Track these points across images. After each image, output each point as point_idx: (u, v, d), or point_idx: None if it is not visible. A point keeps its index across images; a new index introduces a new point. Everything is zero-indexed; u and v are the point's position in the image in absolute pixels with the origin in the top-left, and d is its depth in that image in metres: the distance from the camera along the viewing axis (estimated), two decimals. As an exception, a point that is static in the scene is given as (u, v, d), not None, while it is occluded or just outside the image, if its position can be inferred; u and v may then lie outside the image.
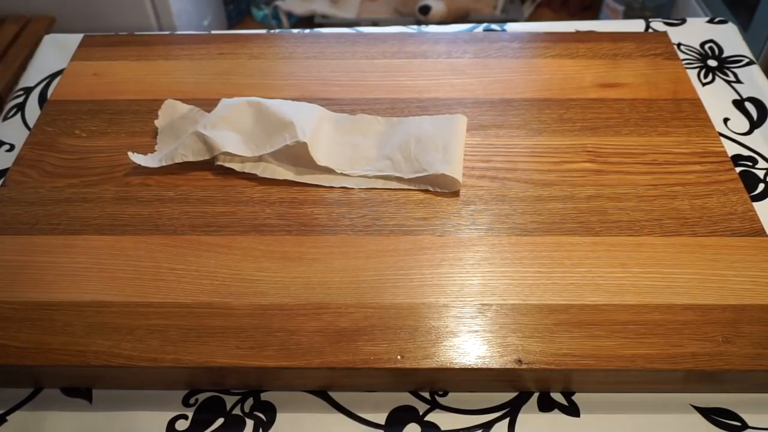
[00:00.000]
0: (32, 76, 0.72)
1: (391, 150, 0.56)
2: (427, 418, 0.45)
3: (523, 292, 0.47)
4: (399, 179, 0.55)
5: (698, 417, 0.45)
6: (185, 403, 0.46)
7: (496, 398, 0.46)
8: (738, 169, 0.58)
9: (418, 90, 0.64)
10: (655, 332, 0.45)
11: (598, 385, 0.46)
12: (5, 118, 0.67)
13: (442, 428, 0.45)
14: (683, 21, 0.76)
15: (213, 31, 0.76)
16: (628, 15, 1.65)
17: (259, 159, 0.56)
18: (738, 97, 0.66)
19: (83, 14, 1.38)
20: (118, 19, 1.39)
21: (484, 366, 0.44)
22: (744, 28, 1.30)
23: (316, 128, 0.56)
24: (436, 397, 0.46)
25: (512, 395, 0.46)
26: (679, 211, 0.52)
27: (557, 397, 0.46)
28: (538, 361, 0.44)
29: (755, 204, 0.55)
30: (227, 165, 0.56)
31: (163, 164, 0.56)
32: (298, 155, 0.55)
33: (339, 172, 0.55)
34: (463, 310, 0.47)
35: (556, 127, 0.60)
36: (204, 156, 0.55)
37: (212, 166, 0.56)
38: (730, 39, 0.73)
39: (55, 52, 0.74)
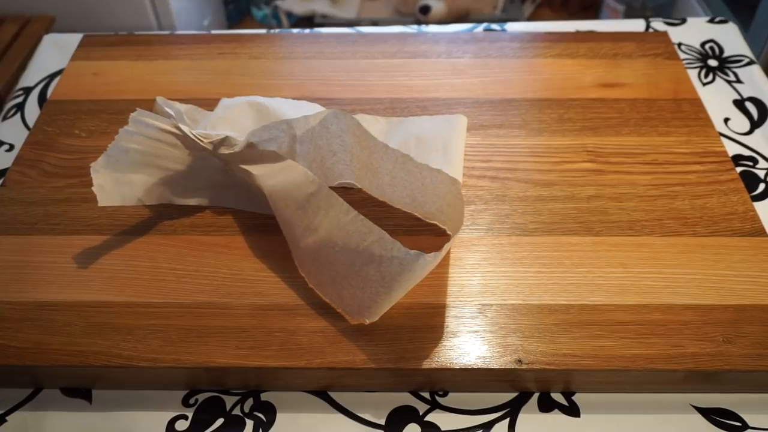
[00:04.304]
0: (32, 76, 0.72)
1: (391, 150, 0.56)
2: (427, 418, 0.45)
3: (523, 292, 0.47)
4: (399, 179, 0.55)
5: (698, 417, 0.45)
6: (185, 403, 0.46)
7: (496, 398, 0.46)
8: (738, 169, 0.58)
9: (418, 90, 0.64)
10: (656, 332, 0.45)
11: (598, 385, 0.46)
12: (5, 118, 0.67)
13: (442, 428, 0.45)
14: (683, 21, 0.76)
15: (213, 31, 0.75)
16: (629, 15, 1.65)
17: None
18: (738, 97, 0.66)
19: (83, 14, 1.38)
20: (118, 19, 1.39)
21: (484, 366, 0.44)
22: (744, 27, 1.30)
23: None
24: (436, 397, 0.46)
25: (512, 395, 0.46)
26: (679, 211, 0.52)
27: (557, 397, 0.46)
28: (538, 361, 0.44)
29: (756, 204, 0.55)
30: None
31: None
32: (298, 155, 0.55)
33: (339, 171, 0.55)
34: (463, 310, 0.47)
35: (556, 127, 0.60)
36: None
37: (212, 166, 0.56)
38: (731, 39, 0.73)
39: (54, 52, 0.74)
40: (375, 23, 1.78)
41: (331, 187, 0.46)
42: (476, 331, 0.45)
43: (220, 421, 0.45)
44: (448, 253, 0.50)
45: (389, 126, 0.59)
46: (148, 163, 0.50)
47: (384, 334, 0.45)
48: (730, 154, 0.58)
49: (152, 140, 0.50)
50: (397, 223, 0.52)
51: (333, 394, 0.47)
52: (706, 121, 0.60)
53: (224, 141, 0.50)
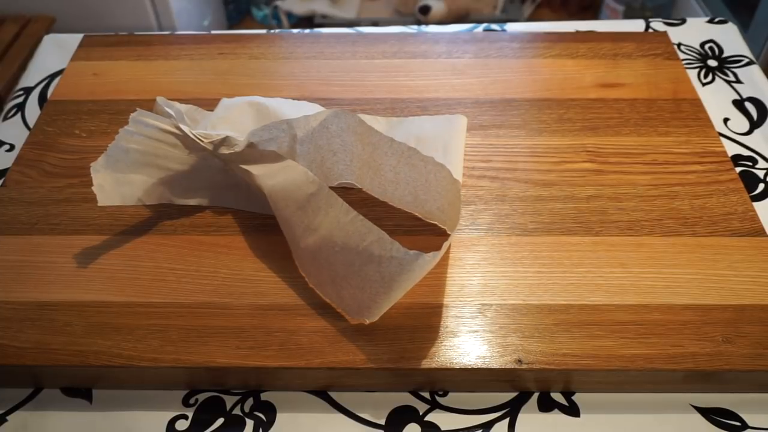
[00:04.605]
0: (32, 76, 0.72)
1: (391, 150, 0.56)
2: (427, 418, 0.45)
3: (523, 292, 0.47)
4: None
5: (698, 417, 0.45)
6: (185, 403, 0.46)
7: (496, 398, 0.46)
8: (738, 169, 0.58)
9: (418, 90, 0.64)
10: (655, 332, 0.45)
11: (598, 385, 0.46)
12: (5, 118, 0.67)
13: (442, 428, 0.45)
14: (683, 21, 0.76)
15: (213, 31, 0.76)
16: (628, 15, 1.65)
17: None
18: (738, 97, 0.66)
19: (83, 14, 1.39)
20: (118, 19, 1.39)
21: (484, 366, 0.44)
22: (744, 28, 1.30)
23: (316, 128, 0.56)
24: (436, 397, 0.46)
25: (512, 395, 0.46)
26: (679, 211, 0.52)
27: (557, 397, 0.46)
28: (538, 361, 0.44)
29: (755, 204, 0.55)
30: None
31: None
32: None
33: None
34: (463, 310, 0.47)
35: (556, 127, 0.60)
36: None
37: (212, 166, 0.56)
38: (730, 39, 0.73)
39: (55, 52, 0.74)
40: (375, 23, 1.78)
41: (331, 187, 0.46)
42: (476, 331, 0.45)
43: (220, 421, 0.45)
44: (448, 252, 0.50)
45: (389, 126, 0.59)
46: (148, 163, 0.50)
47: (384, 334, 0.45)
48: (730, 154, 0.58)
49: (152, 140, 0.50)
50: (397, 223, 0.52)
51: (333, 394, 0.47)
52: (706, 122, 0.60)
53: (224, 141, 0.50)
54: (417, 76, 0.65)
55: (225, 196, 0.54)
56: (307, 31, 0.75)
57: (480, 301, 0.47)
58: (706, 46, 0.72)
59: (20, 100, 0.69)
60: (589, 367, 0.44)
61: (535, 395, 0.46)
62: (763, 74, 0.69)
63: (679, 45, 0.72)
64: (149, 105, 0.52)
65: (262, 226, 0.52)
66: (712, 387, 0.46)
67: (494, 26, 0.77)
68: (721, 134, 0.61)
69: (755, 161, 0.60)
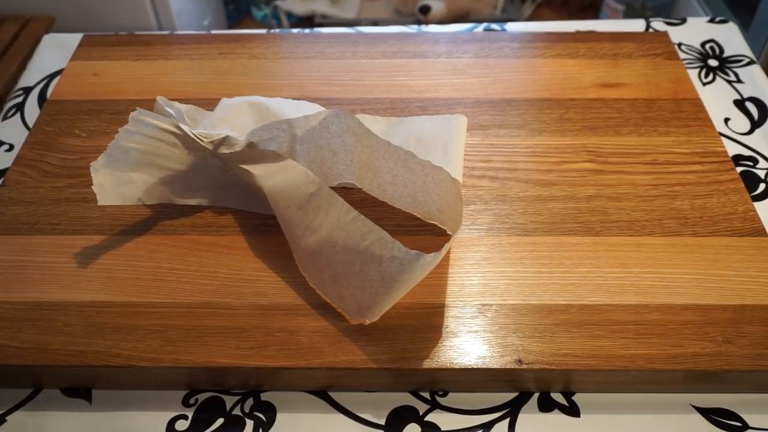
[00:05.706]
0: (32, 75, 0.72)
1: (391, 150, 0.56)
2: (427, 418, 0.45)
3: (523, 292, 0.47)
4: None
5: (698, 417, 0.45)
6: (185, 403, 0.46)
7: (496, 398, 0.46)
8: (739, 169, 0.58)
9: (418, 90, 0.64)
10: (655, 332, 0.45)
11: (598, 385, 0.46)
12: (5, 118, 0.67)
13: (442, 428, 0.45)
14: (684, 21, 0.76)
15: (213, 31, 0.75)
16: (629, 15, 1.65)
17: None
18: (739, 97, 0.66)
19: (83, 14, 1.38)
20: (118, 19, 1.39)
21: (484, 366, 0.44)
22: (744, 27, 1.30)
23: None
24: (436, 397, 0.46)
25: (512, 395, 0.46)
26: (679, 211, 0.52)
27: (557, 397, 0.46)
28: (538, 361, 0.44)
29: (756, 204, 0.55)
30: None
31: None
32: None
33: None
34: (463, 310, 0.47)
35: (556, 127, 0.60)
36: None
37: (212, 166, 0.56)
38: (731, 38, 0.73)
39: (54, 52, 0.74)
40: (375, 23, 1.78)
41: (331, 187, 0.46)
42: (476, 331, 0.45)
43: (220, 421, 0.45)
44: (448, 253, 0.50)
45: (389, 126, 0.59)
46: (148, 162, 0.50)
47: (384, 334, 0.45)
48: (731, 154, 0.58)
49: (152, 140, 0.50)
50: (397, 223, 0.52)
51: (333, 394, 0.47)
52: (706, 121, 0.60)
53: (224, 141, 0.50)
54: (417, 76, 0.65)
55: (225, 196, 0.54)
56: (307, 31, 0.75)
57: (480, 301, 0.47)
58: (707, 46, 0.72)
59: (20, 99, 0.69)
60: (589, 367, 0.44)
61: (536, 395, 0.46)
62: (764, 74, 0.69)
63: (679, 45, 0.72)
64: (149, 105, 0.52)
65: (262, 226, 0.52)
66: (712, 387, 0.46)
67: (494, 26, 0.77)
68: (721, 134, 0.61)
69: (756, 161, 0.60)
